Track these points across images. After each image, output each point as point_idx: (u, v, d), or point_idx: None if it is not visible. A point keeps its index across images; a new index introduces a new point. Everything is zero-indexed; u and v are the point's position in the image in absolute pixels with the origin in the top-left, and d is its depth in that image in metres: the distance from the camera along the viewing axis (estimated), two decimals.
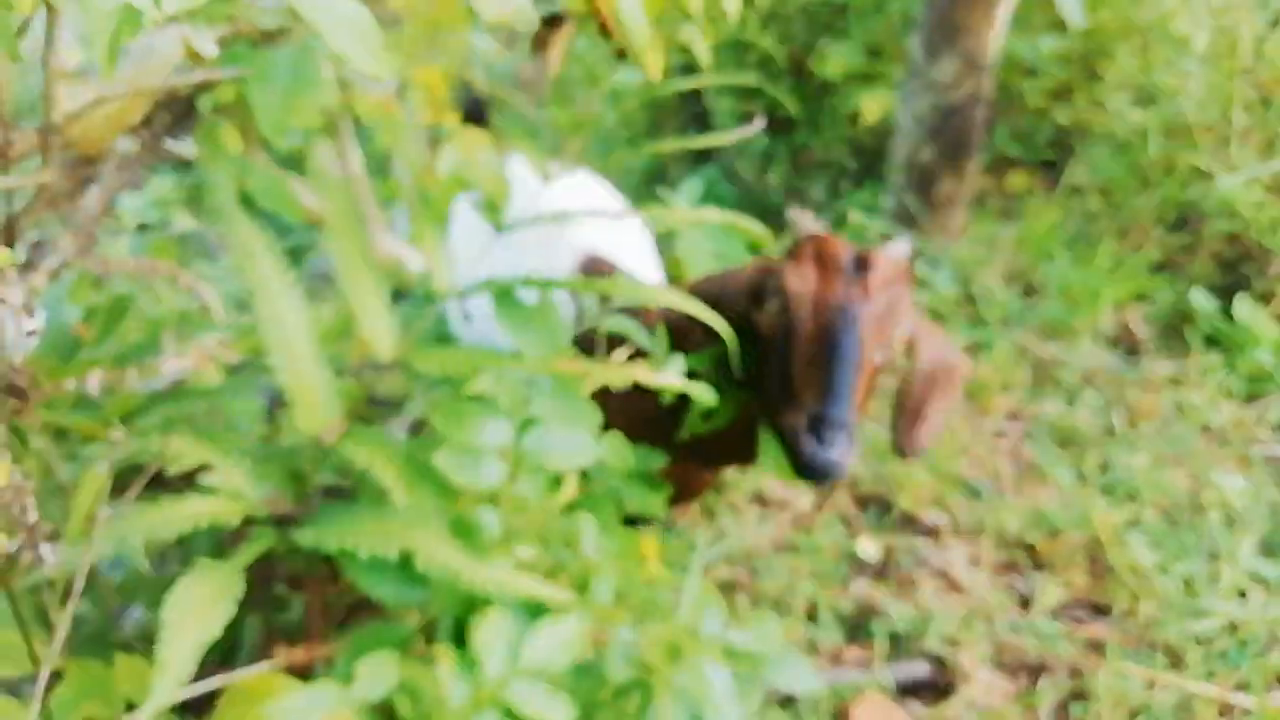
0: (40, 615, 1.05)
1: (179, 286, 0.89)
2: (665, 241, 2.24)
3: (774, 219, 3.30)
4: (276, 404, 1.67)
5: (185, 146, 1.46)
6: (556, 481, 1.04)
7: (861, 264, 1.23)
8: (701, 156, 3.69)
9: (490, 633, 0.91)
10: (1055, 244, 2.91)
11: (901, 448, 1.34)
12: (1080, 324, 2.67)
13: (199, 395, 1.26)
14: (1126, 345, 2.69)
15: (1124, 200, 3.01)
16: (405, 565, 0.99)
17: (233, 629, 1.20)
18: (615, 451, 1.06)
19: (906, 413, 1.34)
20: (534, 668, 0.90)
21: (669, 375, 1.02)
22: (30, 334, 0.74)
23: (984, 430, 2.44)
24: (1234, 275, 2.78)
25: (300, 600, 1.20)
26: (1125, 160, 3.02)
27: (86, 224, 0.80)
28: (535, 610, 0.96)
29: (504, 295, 1.02)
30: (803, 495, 2.28)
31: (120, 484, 1.12)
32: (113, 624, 1.28)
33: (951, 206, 2.84)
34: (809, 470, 1.16)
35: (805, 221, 1.40)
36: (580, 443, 1.01)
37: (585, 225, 1.55)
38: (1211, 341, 2.64)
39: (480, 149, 1.05)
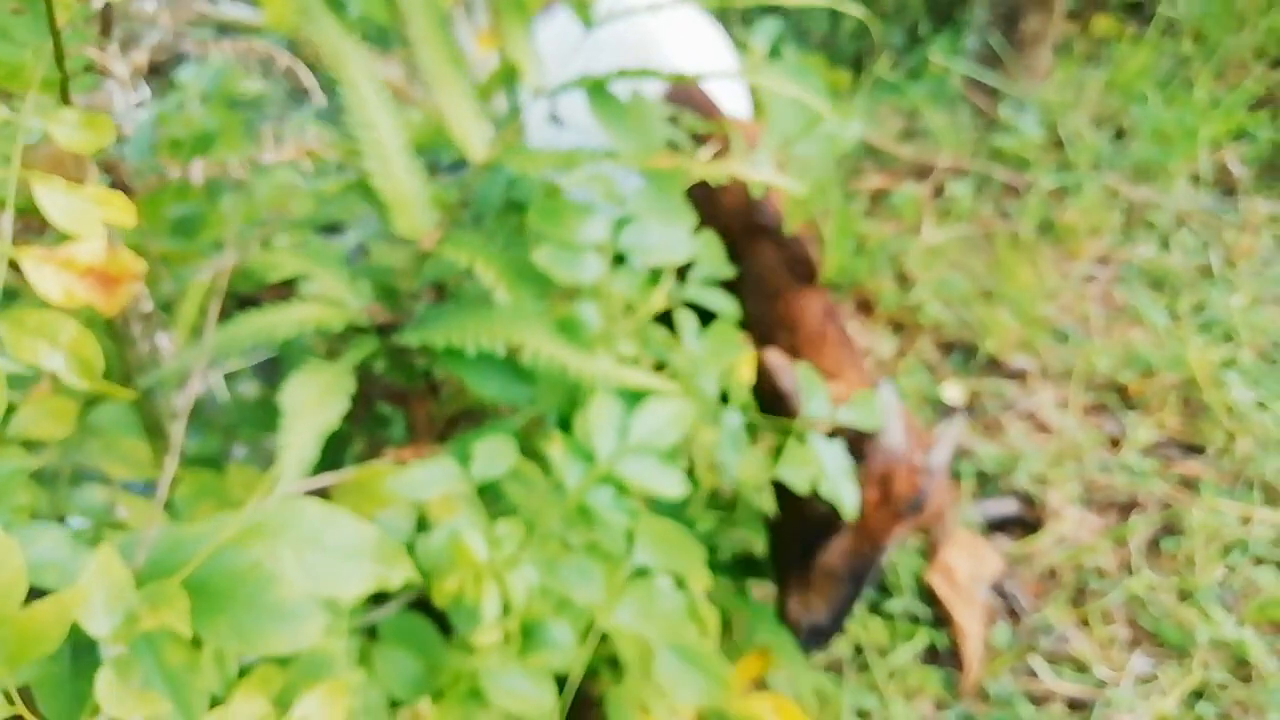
0: (159, 429, 1.09)
1: (277, 70, 0.88)
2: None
3: (846, 69, 3.20)
4: (359, 254, 1.68)
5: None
6: (653, 280, 1.03)
7: (917, 506, 1.21)
8: (767, 9, 3.56)
9: (600, 413, 0.91)
10: (1147, 85, 2.77)
11: None
12: (1174, 165, 2.55)
13: (289, 227, 1.27)
14: (1223, 186, 2.57)
15: (1219, 40, 2.84)
16: (510, 363, 0.99)
17: (338, 447, 1.23)
18: (710, 250, 1.04)
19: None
20: (644, 444, 0.91)
21: (762, 168, 0.99)
22: (139, 105, 0.75)
23: (1072, 275, 2.37)
24: None
25: (401, 418, 1.22)
26: None
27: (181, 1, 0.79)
28: (639, 400, 0.96)
29: (598, 90, 1.00)
30: (884, 342, 2.25)
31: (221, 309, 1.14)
32: (223, 452, 1.32)
33: (1038, 45, 2.70)
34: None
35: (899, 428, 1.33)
36: (676, 238, 0.99)
37: (677, 48, 1.49)
38: None
39: None
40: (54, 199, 0.57)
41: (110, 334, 0.96)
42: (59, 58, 0.61)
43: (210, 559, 0.71)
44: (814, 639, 1.22)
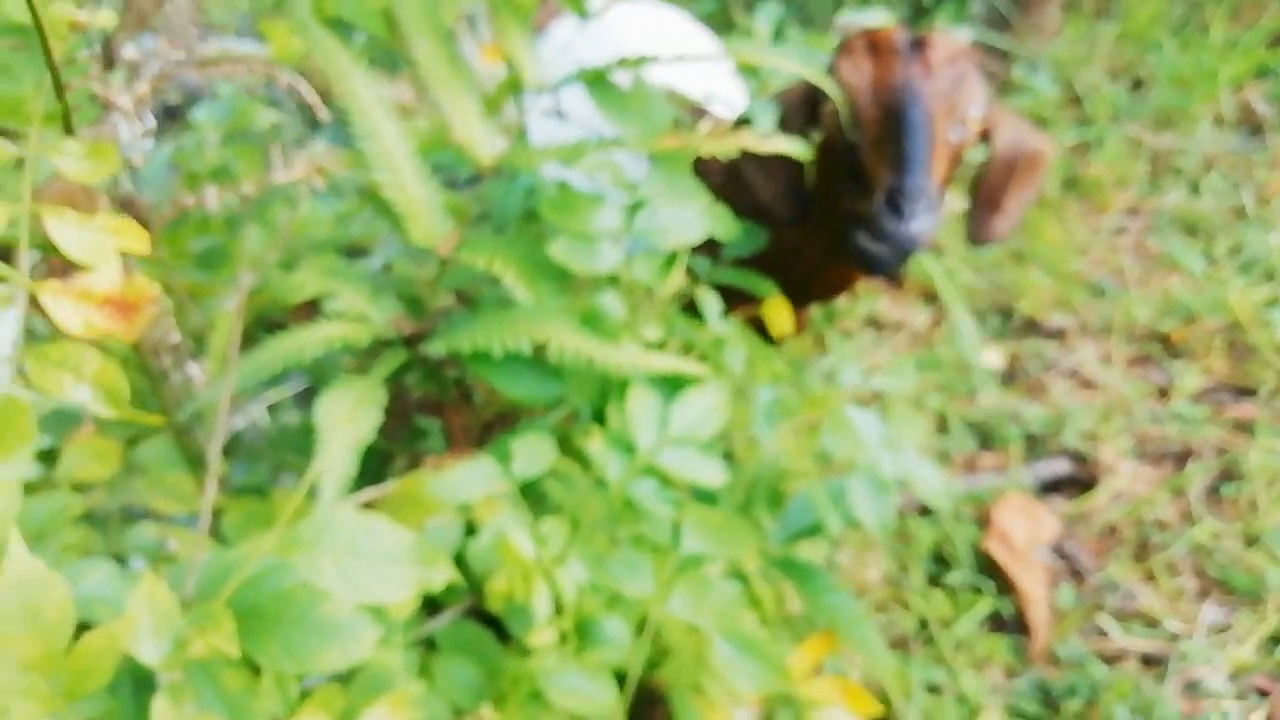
0: (202, 461, 1.09)
1: (280, 87, 0.89)
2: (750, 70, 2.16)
3: None
4: (384, 273, 1.69)
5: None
6: (669, 263, 1.02)
7: (918, 44, 1.18)
8: None
9: (639, 405, 0.91)
10: (1160, 33, 2.73)
11: (975, 236, 1.30)
12: (1196, 109, 2.50)
13: (312, 250, 1.28)
14: (1249, 126, 2.52)
15: None
16: (538, 362, 0.99)
17: (380, 464, 1.23)
18: (722, 225, 1.03)
19: (983, 201, 1.30)
20: (684, 435, 0.90)
21: (779, 140, 0.98)
22: (145, 135, 0.75)
23: (1103, 229, 2.33)
24: None
25: (439, 430, 1.22)
26: None
27: (180, 27, 0.80)
28: (672, 387, 0.95)
29: (598, 80, 1.00)
30: (918, 313, 2.22)
31: (250, 338, 1.15)
32: (271, 482, 1.33)
33: (1045, 3, 2.67)
34: (891, 243, 1.10)
35: (854, 25, 1.33)
36: (690, 217, 0.98)
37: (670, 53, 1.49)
38: None
39: None
40: (65, 231, 0.57)
41: (143, 370, 0.97)
42: (58, 90, 0.61)
43: (256, 580, 0.71)
44: (896, 207, 1.10)
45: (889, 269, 1.14)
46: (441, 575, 0.64)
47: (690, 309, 1.15)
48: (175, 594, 0.72)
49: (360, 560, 0.63)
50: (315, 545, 0.63)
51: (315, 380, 1.30)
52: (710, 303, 1.00)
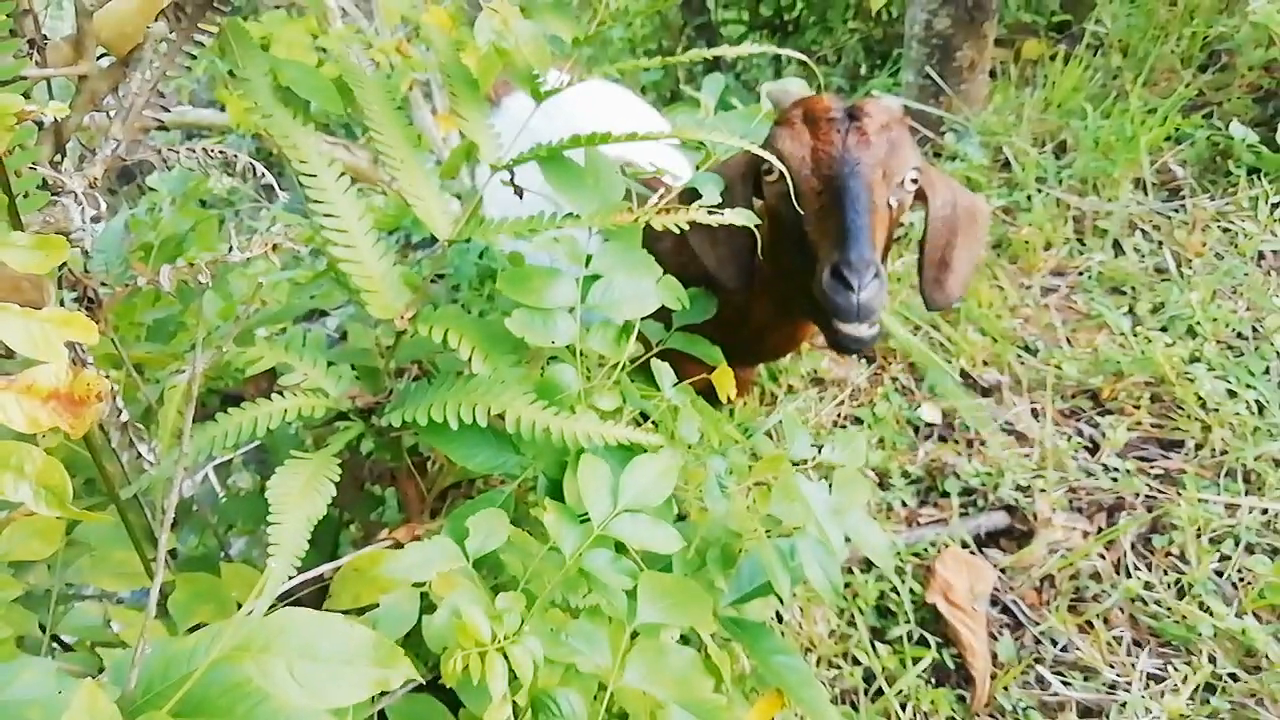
0: (149, 537, 1.07)
1: (235, 171, 0.90)
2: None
3: None
4: (340, 337, 1.69)
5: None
6: (624, 334, 1.04)
7: (854, 113, 1.22)
8: (712, 68, 3.65)
9: (590, 476, 0.92)
10: (1082, 100, 2.86)
11: (931, 300, 1.33)
12: (1118, 174, 2.62)
13: (267, 319, 1.28)
14: (1168, 189, 2.64)
15: (1146, 51, 2.94)
16: (494, 432, 1.00)
17: (333, 533, 1.22)
18: (674, 296, 1.06)
19: (932, 264, 1.33)
20: (635, 503, 0.92)
21: (729, 213, 1.01)
22: (95, 219, 0.75)
23: (1032, 289, 2.42)
24: (1273, 104, 2.72)
25: (393, 496, 1.22)
26: (1142, 11, 2.96)
27: (134, 110, 0.80)
28: (626, 454, 0.96)
29: (552, 158, 1.02)
30: (859, 371, 2.27)
31: (201, 405, 1.14)
32: (220, 548, 1.30)
33: (974, 74, 2.79)
34: (842, 315, 1.13)
35: (788, 92, 1.37)
36: (645, 289, 1.01)
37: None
38: (1255, 172, 2.58)
39: (517, 18, 1.04)
40: (10, 324, 0.56)
41: (89, 447, 0.95)
42: (4, 181, 0.61)
43: (207, 672, 0.69)
44: (842, 279, 1.11)
45: (861, 348, 1.17)
46: (400, 675, 0.64)
47: (642, 369, 1.18)
48: (118, 687, 0.70)
49: (316, 663, 0.62)
50: (269, 649, 0.62)
51: (267, 441, 1.29)
52: (664, 373, 1.02)
